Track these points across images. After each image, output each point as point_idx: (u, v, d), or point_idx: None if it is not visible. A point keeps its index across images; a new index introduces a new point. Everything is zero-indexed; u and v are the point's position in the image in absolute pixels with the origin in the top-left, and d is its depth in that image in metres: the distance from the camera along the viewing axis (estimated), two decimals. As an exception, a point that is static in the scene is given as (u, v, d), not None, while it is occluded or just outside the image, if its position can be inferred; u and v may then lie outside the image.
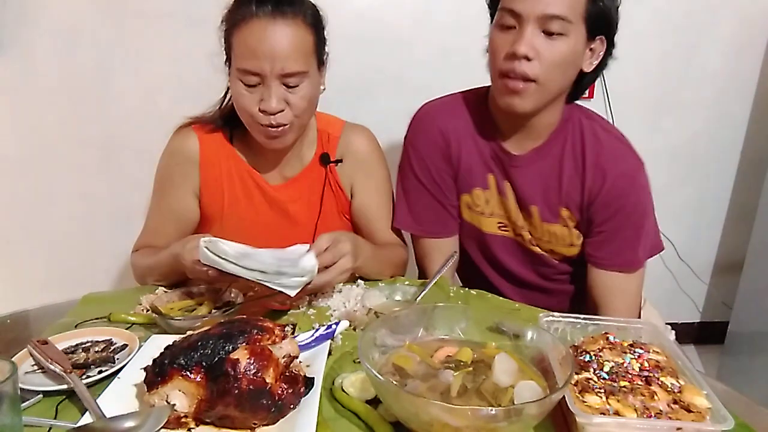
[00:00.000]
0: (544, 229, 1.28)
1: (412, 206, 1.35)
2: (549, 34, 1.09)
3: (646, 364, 0.81)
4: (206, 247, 0.98)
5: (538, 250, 1.31)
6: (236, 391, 0.70)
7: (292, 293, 0.98)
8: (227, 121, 1.29)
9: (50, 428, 0.74)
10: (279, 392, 0.73)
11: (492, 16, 1.19)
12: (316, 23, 1.19)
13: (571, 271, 1.34)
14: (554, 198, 1.25)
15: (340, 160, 1.34)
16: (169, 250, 1.14)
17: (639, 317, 1.31)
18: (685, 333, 2.54)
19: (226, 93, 1.27)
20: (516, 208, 1.28)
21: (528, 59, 1.09)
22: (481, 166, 1.28)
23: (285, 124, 1.17)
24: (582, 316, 0.96)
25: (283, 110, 1.15)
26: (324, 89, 1.26)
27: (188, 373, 0.72)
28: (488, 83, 1.26)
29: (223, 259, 0.97)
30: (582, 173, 1.22)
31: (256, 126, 1.19)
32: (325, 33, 1.23)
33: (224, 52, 1.21)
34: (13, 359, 0.75)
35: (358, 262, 1.14)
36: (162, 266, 1.17)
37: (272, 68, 1.12)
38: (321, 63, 1.23)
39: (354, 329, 1.02)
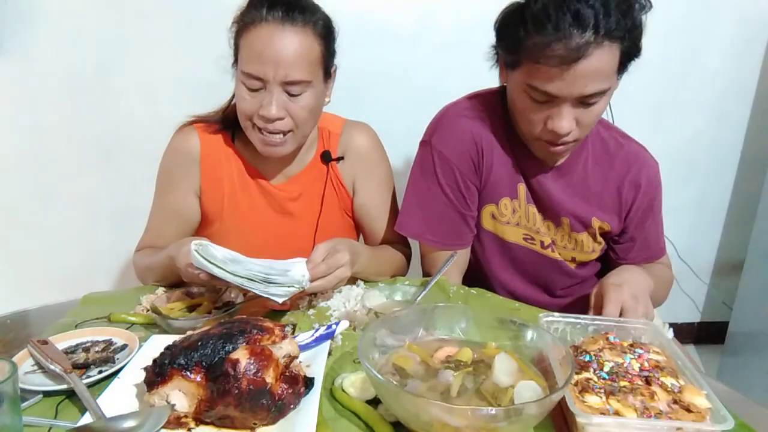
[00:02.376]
0: (571, 238, 1.28)
1: (428, 215, 1.27)
2: (587, 104, 1.05)
3: (646, 364, 0.81)
4: (196, 251, 0.97)
5: (558, 257, 1.30)
6: (236, 391, 0.70)
7: (279, 300, 0.97)
8: (230, 123, 1.29)
9: (50, 428, 0.73)
10: (279, 392, 0.73)
11: (503, 58, 1.13)
12: (326, 34, 1.18)
13: (586, 277, 1.36)
14: (584, 208, 1.25)
15: (342, 158, 1.34)
16: (166, 251, 1.14)
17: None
18: (685, 333, 2.55)
19: (233, 96, 1.26)
20: (541, 218, 1.27)
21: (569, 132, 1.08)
22: (512, 176, 1.24)
23: (283, 132, 1.17)
24: (582, 316, 0.96)
25: (282, 118, 1.15)
26: (329, 101, 1.26)
27: (188, 373, 0.72)
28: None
29: (212, 263, 0.97)
30: (616, 184, 1.24)
31: (254, 132, 1.19)
32: (336, 45, 1.22)
33: (232, 54, 1.20)
34: (13, 359, 0.75)
35: (355, 268, 1.14)
36: (160, 267, 1.17)
37: (275, 74, 1.11)
38: (327, 75, 1.22)
39: (354, 329, 1.02)
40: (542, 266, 1.32)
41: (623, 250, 1.32)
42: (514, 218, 1.27)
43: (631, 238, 1.30)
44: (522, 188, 1.25)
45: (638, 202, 1.26)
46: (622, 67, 1.06)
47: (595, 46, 0.98)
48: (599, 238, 1.29)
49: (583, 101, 1.04)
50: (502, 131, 1.22)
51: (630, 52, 1.04)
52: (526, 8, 1.03)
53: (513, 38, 1.06)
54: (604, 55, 1.00)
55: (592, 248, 1.30)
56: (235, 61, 1.20)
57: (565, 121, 1.05)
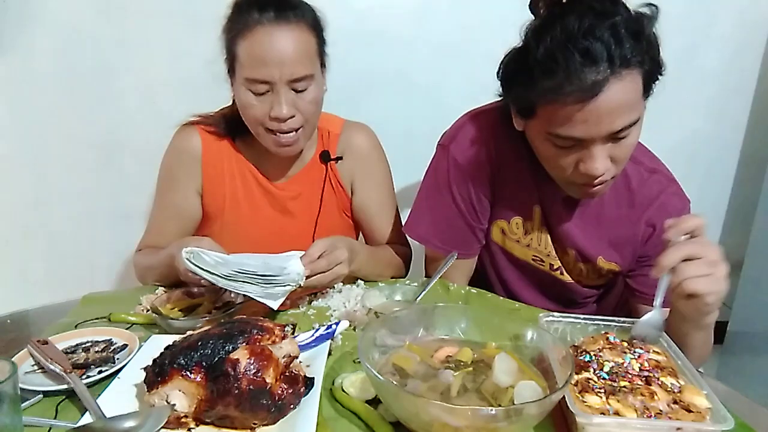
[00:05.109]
0: (576, 267, 1.24)
1: (437, 222, 1.24)
2: (618, 139, 0.97)
3: (646, 364, 0.81)
4: (188, 259, 0.97)
5: (569, 279, 1.26)
6: (236, 391, 0.70)
7: (275, 305, 0.97)
8: (231, 128, 1.29)
9: (50, 428, 0.73)
10: (279, 392, 0.73)
11: (516, 109, 1.06)
12: (317, 26, 1.19)
13: (598, 294, 1.32)
14: (593, 244, 1.19)
15: (341, 158, 1.35)
16: (167, 250, 1.14)
17: None
18: (685, 333, 2.54)
19: (233, 102, 1.26)
20: (552, 243, 1.23)
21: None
22: (529, 196, 1.19)
23: (296, 129, 1.18)
24: (582, 315, 0.96)
25: (293, 116, 1.16)
26: (326, 90, 1.27)
27: (188, 373, 0.72)
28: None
29: (205, 270, 0.97)
30: (632, 223, 1.17)
31: (266, 134, 1.19)
32: (325, 34, 1.23)
33: (226, 62, 1.20)
34: (13, 359, 0.75)
35: (353, 267, 1.14)
36: (161, 266, 1.17)
37: (281, 74, 1.12)
38: (323, 65, 1.24)
39: (354, 329, 1.02)
40: (553, 284, 1.28)
41: (639, 281, 1.21)
42: (525, 240, 1.23)
43: (647, 275, 1.17)
44: (537, 211, 1.20)
45: (652, 242, 1.17)
46: (647, 89, 0.98)
47: (614, 79, 0.90)
48: (605, 273, 1.23)
49: (614, 137, 0.96)
50: (524, 150, 1.14)
51: (652, 71, 0.97)
52: (529, 55, 0.95)
53: (522, 88, 0.99)
54: (626, 85, 0.91)
55: (598, 275, 1.24)
56: (230, 69, 1.19)
57: (599, 162, 0.96)
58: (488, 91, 1.15)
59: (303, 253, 1.06)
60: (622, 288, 1.35)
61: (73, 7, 1.82)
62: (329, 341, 0.91)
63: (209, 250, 1.03)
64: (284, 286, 0.99)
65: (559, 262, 1.25)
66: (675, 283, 0.85)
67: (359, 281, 1.21)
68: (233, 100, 1.26)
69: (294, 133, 1.19)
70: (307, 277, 1.03)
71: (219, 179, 1.30)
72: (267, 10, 1.12)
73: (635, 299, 1.23)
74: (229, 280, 0.97)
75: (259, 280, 0.99)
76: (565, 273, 1.26)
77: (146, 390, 0.74)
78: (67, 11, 1.82)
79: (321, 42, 1.21)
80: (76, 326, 1.01)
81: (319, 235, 1.34)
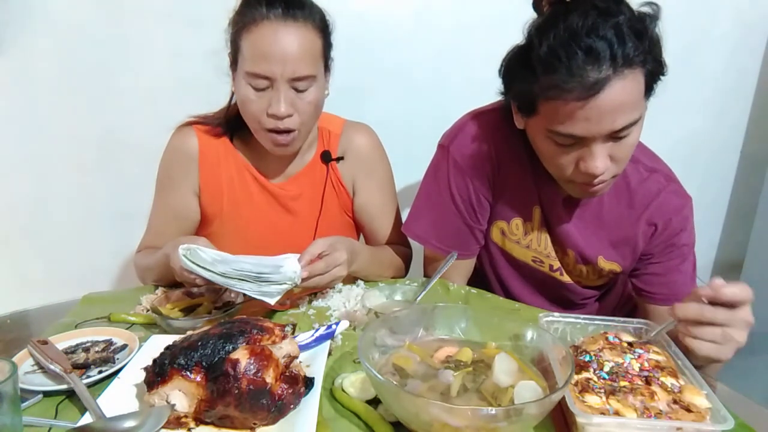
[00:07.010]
0: (576, 268, 1.24)
1: (436, 221, 1.25)
2: (619, 138, 0.97)
3: (646, 364, 0.81)
4: (184, 255, 0.97)
5: (568, 279, 1.26)
6: (236, 391, 0.70)
7: (272, 301, 0.97)
8: (231, 126, 1.29)
9: (50, 428, 0.73)
10: (279, 392, 0.73)
11: (516, 106, 1.07)
12: (324, 27, 1.19)
13: (598, 294, 1.32)
14: (592, 244, 1.20)
15: (342, 158, 1.35)
16: (163, 250, 1.14)
17: None
18: (686, 333, 2.54)
19: (231, 97, 1.27)
20: (552, 244, 1.23)
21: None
22: (529, 198, 1.20)
23: (292, 130, 1.17)
24: (582, 315, 0.96)
25: (291, 115, 1.15)
26: (328, 94, 1.26)
27: (188, 373, 0.72)
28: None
29: (202, 267, 0.97)
30: (632, 223, 1.17)
31: (263, 132, 1.19)
32: (332, 38, 1.23)
33: (230, 55, 1.20)
34: (13, 359, 0.75)
35: (353, 267, 1.14)
36: (158, 267, 1.17)
37: (283, 71, 1.11)
38: (327, 68, 1.23)
39: (354, 329, 1.02)
40: (552, 285, 1.28)
41: (643, 281, 1.22)
42: (524, 240, 1.24)
43: (651, 273, 1.21)
44: (537, 212, 1.21)
45: (655, 241, 1.18)
46: (649, 89, 0.99)
47: (616, 77, 0.90)
48: (606, 274, 1.24)
49: (614, 136, 0.96)
50: (524, 151, 1.15)
51: (655, 71, 0.98)
52: (531, 51, 0.96)
53: (524, 85, 0.99)
54: (628, 84, 0.92)
55: (598, 276, 1.25)
56: (233, 63, 1.20)
57: (599, 161, 0.97)
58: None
59: (298, 255, 1.06)
60: (622, 288, 1.36)
61: (73, 7, 1.82)
62: (329, 341, 0.91)
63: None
64: (280, 284, 0.99)
65: (558, 263, 1.25)
66: (680, 332, 0.84)
67: (359, 281, 1.21)
68: (230, 97, 1.26)
69: (289, 134, 1.18)
70: (305, 279, 1.03)
71: (217, 180, 1.30)
72: (275, 6, 1.12)
73: (641, 299, 1.24)
74: (225, 277, 0.97)
75: (255, 278, 0.99)
76: (564, 274, 1.26)
77: (146, 390, 0.74)
78: (67, 11, 1.82)
79: (327, 45, 1.20)
80: (76, 326, 1.01)
81: (320, 235, 1.34)
